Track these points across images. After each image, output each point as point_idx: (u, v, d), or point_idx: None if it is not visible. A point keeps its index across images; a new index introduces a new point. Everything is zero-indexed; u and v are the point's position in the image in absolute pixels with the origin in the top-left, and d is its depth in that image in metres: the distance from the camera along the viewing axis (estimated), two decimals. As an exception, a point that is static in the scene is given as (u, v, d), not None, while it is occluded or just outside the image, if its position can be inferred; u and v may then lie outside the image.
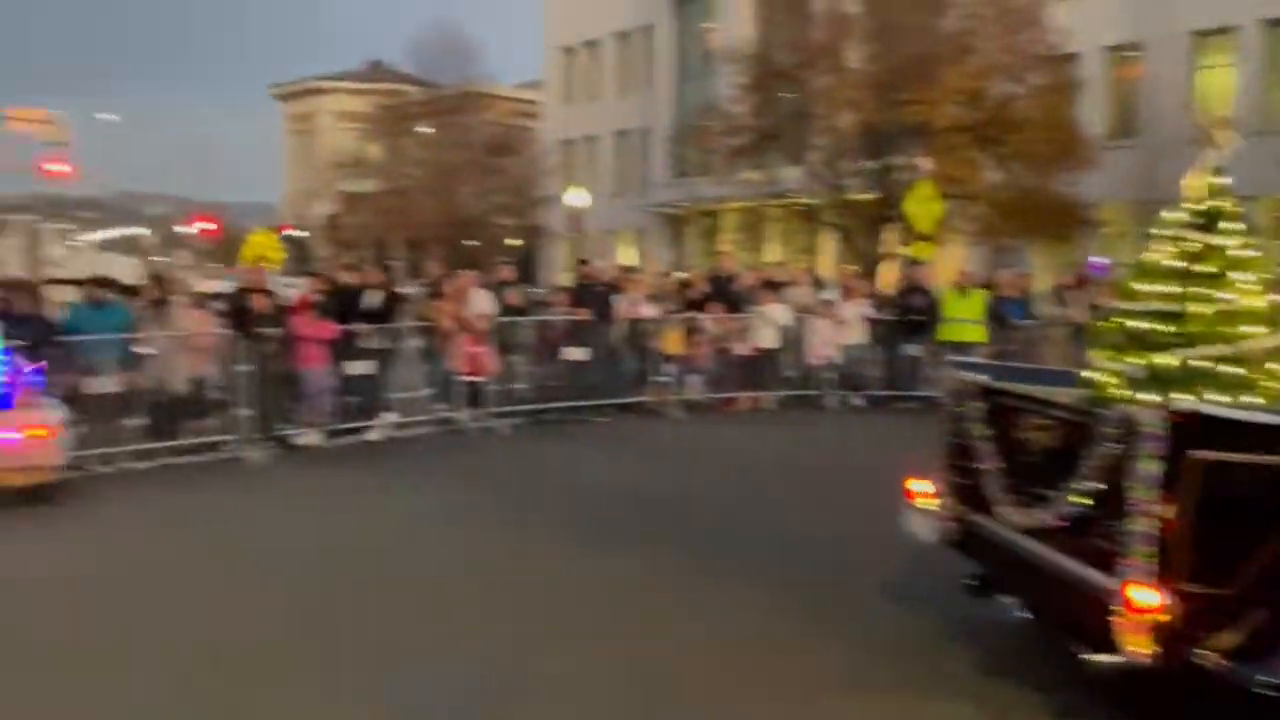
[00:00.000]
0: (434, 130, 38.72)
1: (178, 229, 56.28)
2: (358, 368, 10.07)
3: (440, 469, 9.06)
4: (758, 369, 12.33)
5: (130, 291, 10.14)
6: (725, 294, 12.50)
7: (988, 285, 12.95)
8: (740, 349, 12.22)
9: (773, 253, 28.68)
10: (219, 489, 8.22)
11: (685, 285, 12.80)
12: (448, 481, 8.52)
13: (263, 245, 54.91)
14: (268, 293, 9.78)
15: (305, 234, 49.54)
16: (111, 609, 5.31)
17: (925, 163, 19.59)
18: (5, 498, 7.19)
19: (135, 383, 8.75)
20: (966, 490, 4.18)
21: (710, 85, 28.54)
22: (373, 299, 10.46)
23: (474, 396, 10.75)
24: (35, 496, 7.32)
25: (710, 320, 12.12)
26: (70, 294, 10.65)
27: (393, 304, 10.75)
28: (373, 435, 10.17)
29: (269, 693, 4.28)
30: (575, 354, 11.38)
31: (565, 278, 33.07)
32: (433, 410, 10.82)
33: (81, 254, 27.19)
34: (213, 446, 9.16)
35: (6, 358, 7.47)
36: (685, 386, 12.10)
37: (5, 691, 4.27)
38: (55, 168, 34.47)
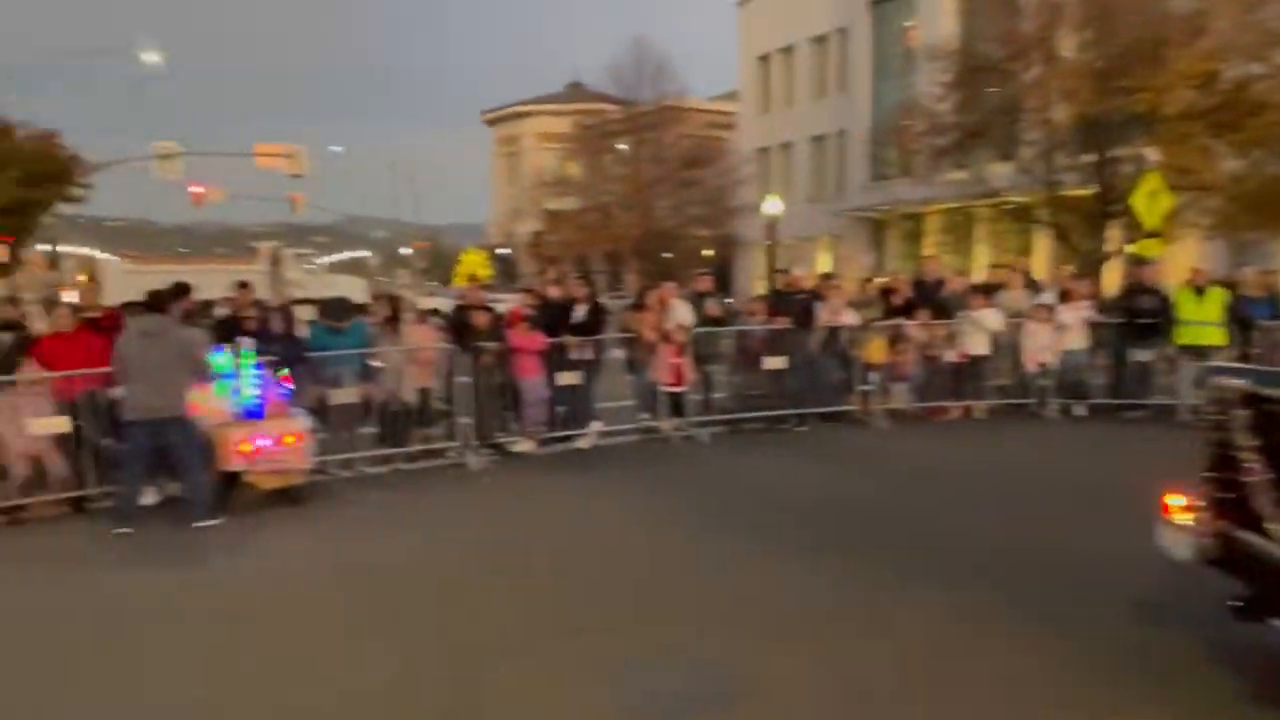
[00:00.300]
0: (631, 146, 39.62)
1: (402, 250, 60.45)
2: (566, 378, 10.42)
3: (646, 476, 9.20)
4: (968, 376, 11.82)
5: (359, 310, 10.93)
6: (931, 299, 12.06)
7: (1228, 284, 11.85)
8: (949, 356, 11.76)
9: (981, 255, 27.46)
10: (444, 492, 8.72)
11: (889, 291, 12.44)
12: (653, 488, 8.65)
13: (474, 263, 57.95)
14: (487, 309, 10.29)
15: (508, 251, 51.96)
16: (357, 598, 5.74)
17: (1152, 153, 18.18)
18: (261, 499, 7.94)
19: (370, 394, 9.43)
20: (1231, 504, 3.83)
21: (910, 84, 27.71)
22: (579, 312, 10.80)
23: (676, 406, 10.89)
24: (286, 497, 8.05)
25: (916, 327, 11.72)
26: (310, 313, 11.59)
27: (598, 317, 11.05)
28: (581, 443, 10.48)
29: (502, 682, 4.49)
30: (775, 363, 11.29)
31: (761, 286, 33.00)
32: (637, 419, 11.04)
33: (317, 276, 29.58)
34: (438, 453, 9.74)
35: (259, 372, 8.24)
36: (890, 395, 11.77)
37: (279, 667, 4.70)
38: (295, 197, 37.90)
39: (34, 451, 7.72)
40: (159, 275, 19.13)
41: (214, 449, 7.82)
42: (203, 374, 7.84)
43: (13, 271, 29.62)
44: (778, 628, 5.09)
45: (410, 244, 61.50)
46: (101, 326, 8.76)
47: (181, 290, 9.28)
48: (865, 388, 11.58)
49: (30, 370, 7.91)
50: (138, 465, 7.50)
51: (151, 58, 30.20)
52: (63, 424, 7.80)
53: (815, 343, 11.49)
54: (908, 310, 11.83)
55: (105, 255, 43.49)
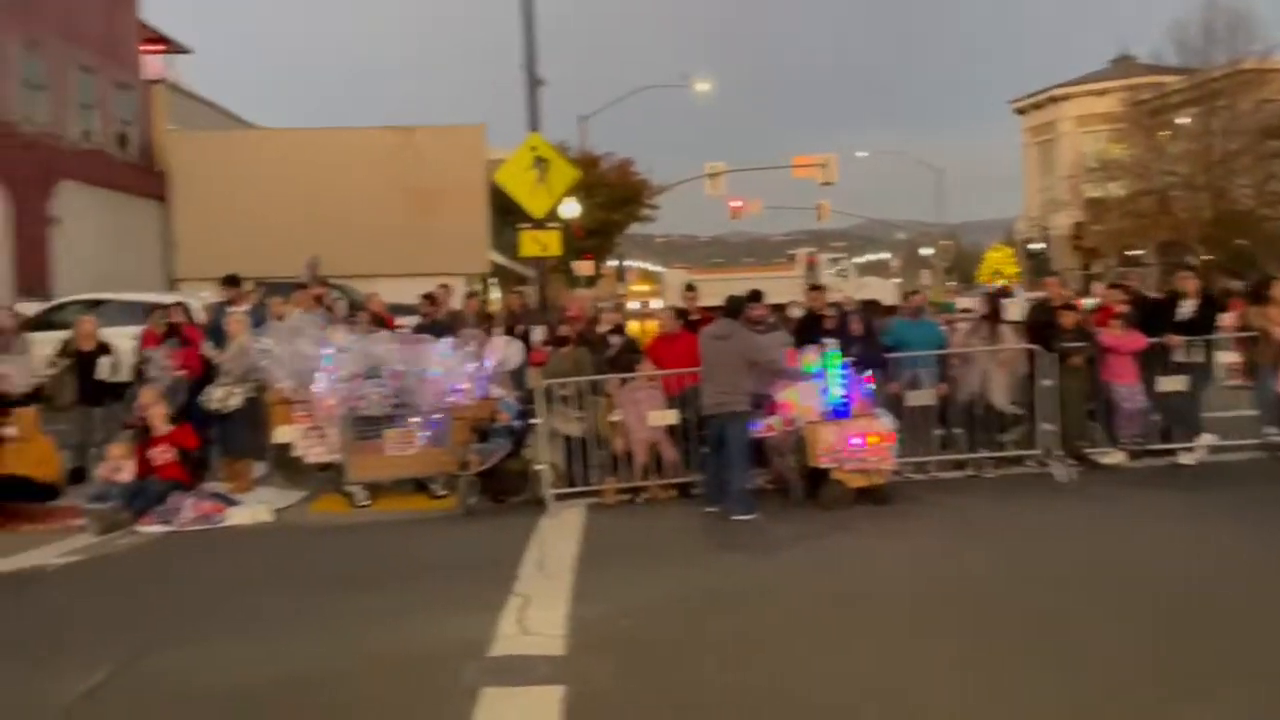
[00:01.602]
0: (1197, 120, 34.51)
1: (922, 250, 59.75)
2: (1168, 384, 9.17)
3: (1270, 501, 7.80)
4: None
5: (890, 311, 10.68)
6: None
7: None
8: None
9: None
10: (1028, 504, 8.12)
11: None
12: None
13: (998, 261, 55.01)
14: (1072, 306, 9.43)
15: (1040, 246, 48.32)
16: (970, 612, 5.44)
17: None
18: (848, 496, 8.03)
19: (945, 396, 9.13)
20: None
21: None
22: (1186, 308, 9.43)
23: (1315, 419, 9.02)
24: (870, 496, 8.07)
25: None
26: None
27: (1209, 313, 9.55)
28: (1185, 458, 9.17)
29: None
30: None
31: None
32: (1260, 434, 9.37)
33: (848, 279, 30.25)
34: (1017, 460, 9.14)
35: (844, 372, 8.36)
36: None
37: (920, 684, 4.56)
38: (822, 205, 39.26)
39: (651, 439, 8.64)
40: (713, 284, 20.90)
41: (804, 446, 8.11)
42: (780, 374, 8.19)
43: (595, 284, 34.68)
44: None
45: (931, 244, 60.38)
46: (698, 328, 9.58)
47: (754, 296, 9.82)
48: None
49: (646, 368, 8.89)
50: (716, 457, 8.03)
51: (704, 85, 33.21)
52: (672, 416, 8.63)
53: None
54: None
55: (662, 269, 48.92)
